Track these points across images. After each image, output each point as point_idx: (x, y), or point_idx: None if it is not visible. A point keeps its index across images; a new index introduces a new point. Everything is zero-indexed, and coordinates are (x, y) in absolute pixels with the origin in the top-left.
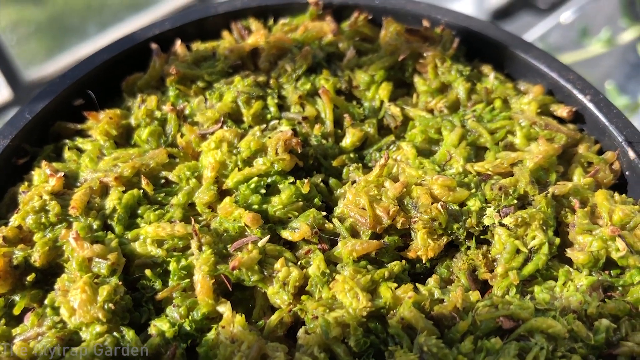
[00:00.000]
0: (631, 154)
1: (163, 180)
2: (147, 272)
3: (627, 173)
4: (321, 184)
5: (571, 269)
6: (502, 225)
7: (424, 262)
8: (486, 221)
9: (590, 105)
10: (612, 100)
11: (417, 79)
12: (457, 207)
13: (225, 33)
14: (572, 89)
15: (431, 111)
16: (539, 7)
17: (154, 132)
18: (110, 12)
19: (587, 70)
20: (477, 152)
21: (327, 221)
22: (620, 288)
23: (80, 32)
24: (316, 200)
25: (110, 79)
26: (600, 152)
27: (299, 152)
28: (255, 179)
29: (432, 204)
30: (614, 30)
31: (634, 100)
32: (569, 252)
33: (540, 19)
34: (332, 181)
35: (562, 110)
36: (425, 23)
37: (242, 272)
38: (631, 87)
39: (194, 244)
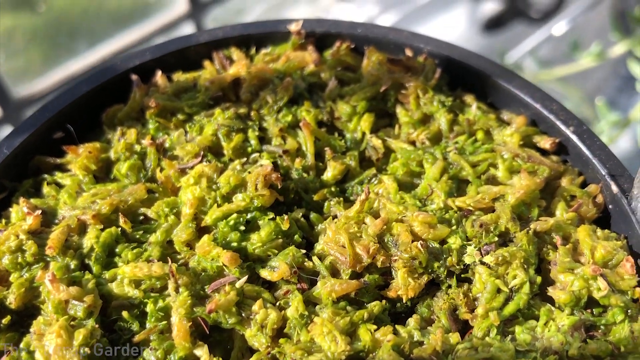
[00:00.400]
0: (614, 188)
1: (142, 217)
2: (125, 314)
3: (610, 207)
4: (302, 219)
5: (553, 308)
6: (483, 263)
7: (404, 301)
8: (467, 259)
9: (574, 137)
10: (602, 116)
11: (399, 110)
12: (438, 245)
13: (206, 63)
14: (555, 120)
15: (413, 143)
16: (532, 17)
17: (134, 166)
18: (101, 26)
19: (579, 84)
20: (459, 185)
21: (306, 259)
22: (602, 327)
23: (71, 48)
24: (296, 236)
25: (90, 110)
26: (583, 185)
27: (279, 187)
28: (235, 215)
29: (412, 242)
30: (605, 44)
31: (625, 115)
32: (551, 291)
33: (532, 29)
34: (313, 216)
35: (545, 142)
36: (408, 52)
37: (220, 314)
38: (622, 101)
39: (170, 285)
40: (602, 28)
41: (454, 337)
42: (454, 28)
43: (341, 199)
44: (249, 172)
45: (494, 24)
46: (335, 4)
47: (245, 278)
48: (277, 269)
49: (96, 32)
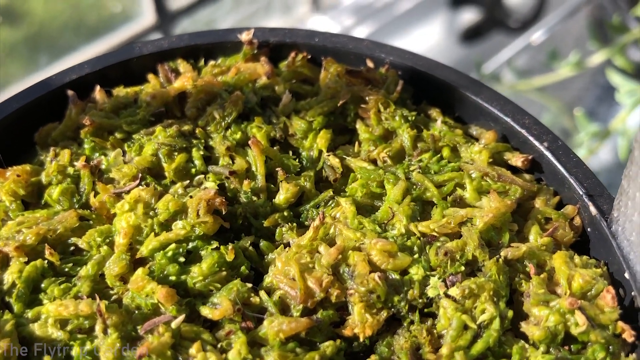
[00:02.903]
0: (592, 210)
1: (72, 248)
2: (46, 359)
3: (588, 230)
4: (250, 247)
5: (527, 345)
6: (448, 296)
7: (362, 340)
8: (430, 292)
9: (548, 153)
10: (581, 128)
11: (359, 126)
12: (398, 276)
13: (150, 76)
14: (528, 135)
15: (374, 161)
16: (510, 26)
17: (66, 190)
18: (79, 39)
19: (558, 94)
20: (424, 207)
21: (253, 294)
22: None
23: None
24: (243, 268)
25: (22, 129)
26: (559, 206)
27: (225, 212)
28: (173, 245)
29: (370, 273)
30: (583, 53)
31: (605, 125)
32: (524, 326)
33: (511, 38)
34: (263, 244)
35: (517, 159)
36: (369, 63)
37: (152, 359)
38: (602, 111)
39: (98, 326)
40: (581, 37)
41: None
42: (431, 38)
43: (294, 224)
44: (190, 197)
45: (472, 34)
46: (310, 15)
47: (182, 317)
48: (219, 306)
49: (58, 45)
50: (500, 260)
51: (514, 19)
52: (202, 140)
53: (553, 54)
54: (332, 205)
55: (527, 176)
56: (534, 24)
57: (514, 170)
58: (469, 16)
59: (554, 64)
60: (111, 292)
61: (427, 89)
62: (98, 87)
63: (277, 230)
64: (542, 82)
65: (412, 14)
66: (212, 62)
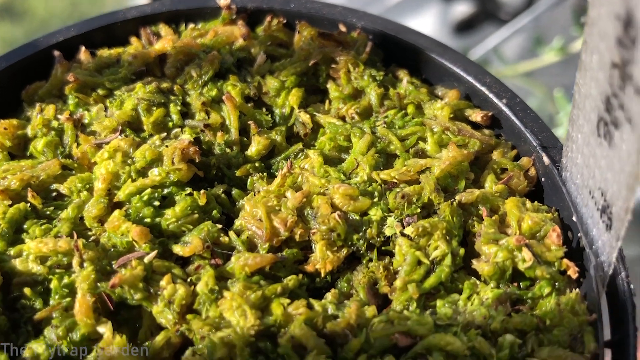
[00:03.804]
0: (546, 160)
1: (55, 194)
2: (27, 290)
3: (543, 179)
4: (223, 195)
5: (478, 282)
6: (404, 235)
7: (323, 275)
8: (387, 231)
9: (506, 110)
10: (560, 108)
11: (330, 85)
12: (358, 217)
13: (133, 39)
14: (488, 93)
15: (343, 118)
16: (501, 18)
17: (51, 142)
18: None
19: (544, 79)
20: (388, 159)
21: (223, 234)
22: (529, 301)
23: None
24: (214, 212)
25: (10, 88)
26: (517, 158)
27: (197, 161)
28: (149, 190)
29: (332, 214)
30: (567, 39)
31: None
32: (475, 264)
33: (500, 27)
34: (235, 192)
35: (477, 115)
36: (342, 27)
37: (125, 290)
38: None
39: (75, 260)
40: (566, 24)
41: (370, 311)
42: (424, 30)
43: (265, 174)
44: (166, 146)
45: (464, 26)
46: None
47: (154, 253)
48: (189, 244)
49: None
50: (454, 203)
51: (505, 12)
52: (180, 97)
53: (538, 40)
54: (302, 157)
55: (486, 131)
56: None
57: (476, 126)
58: (462, 9)
59: (539, 50)
60: (89, 233)
61: (396, 52)
62: (83, 48)
63: (249, 179)
64: (528, 67)
65: (405, 6)
66: (191, 25)
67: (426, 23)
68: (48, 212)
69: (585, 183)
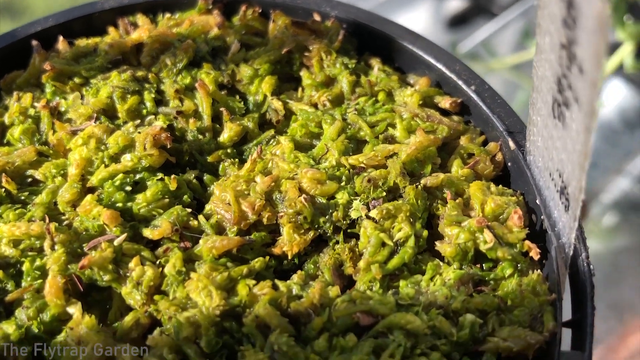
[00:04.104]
0: (512, 144)
1: (30, 179)
2: None
3: (509, 164)
4: (194, 180)
5: (441, 263)
6: (369, 218)
7: (290, 258)
8: (353, 214)
9: (475, 96)
10: None
11: (303, 73)
12: (325, 201)
13: (111, 29)
14: (458, 80)
15: (315, 105)
16: (494, 13)
17: (27, 130)
18: None
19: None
20: (358, 145)
21: (192, 218)
22: (492, 282)
23: None
24: (185, 197)
25: None
26: (485, 144)
27: (169, 147)
28: (121, 175)
29: (299, 197)
30: None
31: None
32: (439, 245)
33: (490, 21)
34: (206, 177)
35: (446, 102)
36: (316, 16)
37: (94, 271)
38: None
39: (47, 243)
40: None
41: (334, 291)
42: (417, 25)
43: (236, 160)
44: (139, 133)
45: (458, 21)
46: None
47: (124, 236)
48: (158, 227)
49: None
50: (419, 187)
51: (497, 6)
52: (154, 85)
53: (526, 32)
54: (274, 143)
55: (455, 117)
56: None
57: (445, 113)
58: (455, 3)
59: (527, 43)
60: (63, 217)
61: (369, 41)
62: (61, 38)
63: (221, 165)
64: (516, 60)
65: (397, 1)
66: (167, 15)
67: (419, 17)
68: (23, 197)
69: (546, 165)
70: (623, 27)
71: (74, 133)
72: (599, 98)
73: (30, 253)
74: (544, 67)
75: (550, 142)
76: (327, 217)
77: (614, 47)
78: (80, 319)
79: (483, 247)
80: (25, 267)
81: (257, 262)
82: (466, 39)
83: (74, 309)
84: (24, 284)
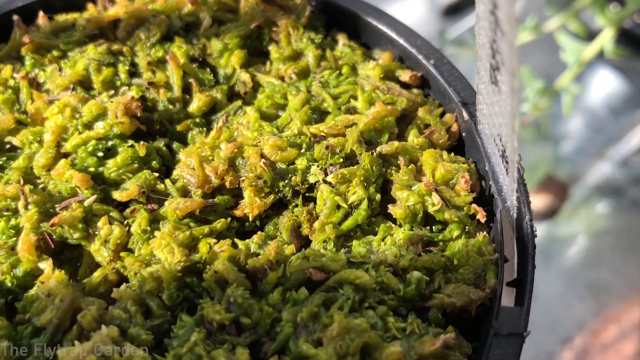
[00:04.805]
0: (465, 115)
1: (8, 146)
2: None
3: (464, 134)
4: (164, 148)
5: (393, 225)
6: (326, 182)
7: (251, 220)
8: (311, 179)
9: (433, 70)
10: (527, 84)
11: (272, 47)
12: (285, 166)
13: (90, 5)
14: (418, 54)
15: (282, 78)
16: None
17: (7, 100)
18: None
19: (520, 59)
20: (321, 116)
21: (160, 182)
22: (440, 243)
23: None
24: (154, 163)
25: None
26: (442, 116)
27: (140, 115)
28: (94, 142)
29: (259, 162)
30: (541, 19)
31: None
32: (390, 208)
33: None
34: (175, 145)
35: (406, 75)
36: None
37: (65, 229)
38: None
39: (21, 203)
40: (542, 4)
41: (289, 249)
42: (412, 14)
43: (204, 129)
44: (112, 102)
45: (452, 10)
46: None
47: (94, 197)
48: (127, 190)
49: None
50: (374, 153)
51: None
52: (129, 58)
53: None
54: (240, 114)
55: (415, 90)
56: None
57: (406, 86)
58: None
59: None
60: (38, 181)
61: (337, 17)
62: (41, 13)
63: (189, 134)
64: None
65: None
66: None
67: (415, 6)
68: (1, 163)
69: (491, 132)
70: (604, 13)
71: (50, 102)
72: (517, 58)
73: (5, 213)
74: (482, 35)
75: (492, 108)
76: (286, 181)
77: (595, 35)
78: (50, 274)
79: (431, 210)
80: (0, 226)
81: (219, 223)
82: (455, 27)
83: (45, 265)
84: None
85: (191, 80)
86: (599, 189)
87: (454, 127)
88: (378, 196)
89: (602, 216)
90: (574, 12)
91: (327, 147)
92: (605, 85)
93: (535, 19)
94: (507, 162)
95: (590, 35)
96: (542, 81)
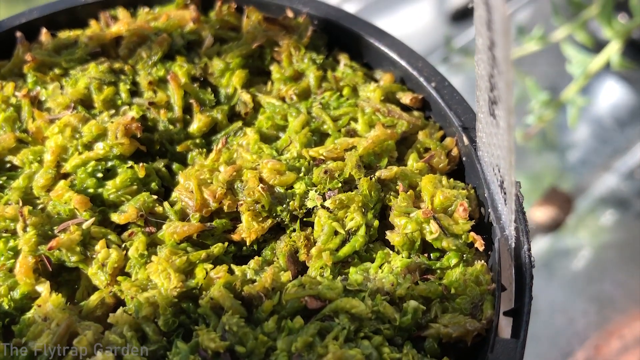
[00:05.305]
0: (466, 140)
1: (8, 165)
2: None
3: (464, 159)
4: (164, 169)
5: (391, 252)
6: (324, 207)
7: (248, 244)
8: (309, 204)
9: (434, 93)
10: (533, 95)
11: (273, 67)
12: (283, 190)
13: (92, 22)
14: (419, 77)
15: (283, 99)
16: None
17: (9, 118)
18: None
19: (524, 68)
20: (321, 138)
21: (158, 204)
22: (438, 271)
23: None
24: (153, 184)
25: None
26: (443, 139)
27: (140, 136)
28: (93, 162)
29: (258, 186)
30: (547, 28)
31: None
32: (389, 235)
33: None
34: (175, 166)
35: (407, 98)
36: (288, 12)
37: (62, 252)
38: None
39: (19, 225)
40: (549, 14)
41: (286, 276)
42: (420, 20)
43: (204, 150)
44: (112, 122)
45: (460, 16)
46: None
47: (92, 220)
48: (125, 212)
49: None
50: (372, 178)
51: None
52: (130, 76)
53: (521, 29)
54: (241, 134)
55: (416, 113)
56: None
57: (407, 108)
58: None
59: (521, 39)
60: (37, 201)
61: (339, 37)
62: (44, 30)
63: (189, 155)
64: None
65: None
66: (146, 10)
67: (421, 12)
68: (0, 182)
69: (490, 160)
70: (610, 25)
71: (51, 121)
72: (513, 97)
73: (4, 234)
74: (480, 67)
75: (491, 139)
76: (284, 206)
77: (602, 45)
78: (47, 297)
79: (429, 237)
80: None
81: (216, 248)
82: (462, 34)
83: (43, 288)
84: None
85: (192, 100)
86: (604, 201)
87: (454, 152)
88: (376, 222)
89: (606, 228)
90: (581, 22)
91: (325, 172)
92: (612, 96)
93: (542, 29)
94: (505, 193)
95: (597, 45)
96: (547, 93)
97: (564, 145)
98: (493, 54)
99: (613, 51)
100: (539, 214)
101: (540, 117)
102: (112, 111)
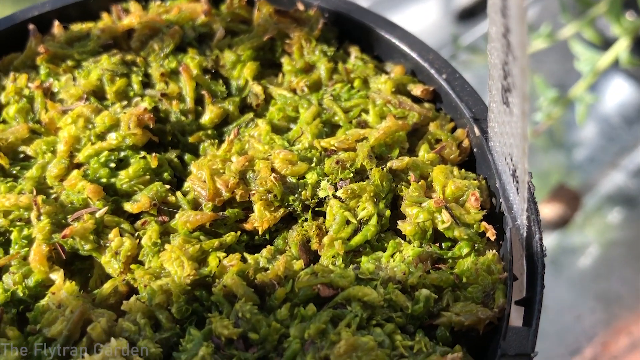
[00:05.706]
0: (477, 131)
1: (22, 155)
2: None
3: (475, 150)
4: (176, 159)
5: (402, 242)
6: (336, 197)
7: (260, 233)
8: (321, 193)
9: (445, 84)
10: (541, 93)
11: (284, 59)
12: (295, 180)
13: (104, 15)
14: (430, 69)
15: (294, 90)
16: None
17: (22, 109)
18: None
19: (534, 67)
20: (332, 130)
21: (171, 194)
22: (450, 260)
23: None
24: (166, 174)
25: None
26: (454, 130)
27: (152, 127)
28: (106, 153)
29: (270, 176)
30: (555, 26)
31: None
32: (400, 224)
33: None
34: (187, 156)
35: (418, 89)
36: (299, 5)
37: (76, 241)
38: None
39: (33, 214)
40: (557, 11)
41: (298, 264)
42: (427, 18)
43: (216, 141)
44: (125, 113)
45: (467, 15)
46: None
47: (105, 209)
48: (138, 202)
49: None
50: (384, 169)
51: None
52: (142, 68)
53: (529, 26)
54: (252, 126)
55: (427, 105)
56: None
57: (417, 100)
58: None
59: (530, 37)
60: (51, 191)
61: (350, 30)
62: (57, 22)
63: (201, 145)
64: None
65: None
66: (158, 2)
67: (429, 10)
68: (14, 172)
69: (502, 150)
70: (619, 22)
71: (64, 112)
72: (527, 83)
73: (18, 223)
74: (494, 55)
75: (503, 128)
76: (296, 195)
77: (610, 43)
78: (61, 285)
79: (441, 227)
80: (13, 236)
81: (229, 237)
82: (469, 32)
83: (57, 275)
84: (11, 251)
85: (204, 92)
86: (612, 199)
87: (465, 143)
88: (388, 212)
89: (614, 226)
90: (589, 20)
91: (337, 162)
92: (620, 93)
93: (550, 26)
94: (517, 182)
95: (605, 43)
96: (555, 90)
97: (572, 142)
98: (508, 40)
99: (621, 48)
100: (546, 211)
101: (549, 114)
102: (125, 102)
